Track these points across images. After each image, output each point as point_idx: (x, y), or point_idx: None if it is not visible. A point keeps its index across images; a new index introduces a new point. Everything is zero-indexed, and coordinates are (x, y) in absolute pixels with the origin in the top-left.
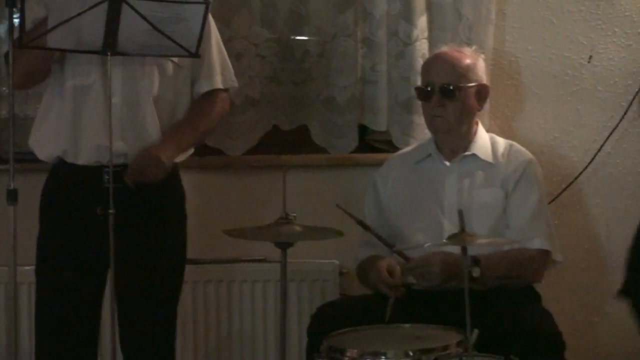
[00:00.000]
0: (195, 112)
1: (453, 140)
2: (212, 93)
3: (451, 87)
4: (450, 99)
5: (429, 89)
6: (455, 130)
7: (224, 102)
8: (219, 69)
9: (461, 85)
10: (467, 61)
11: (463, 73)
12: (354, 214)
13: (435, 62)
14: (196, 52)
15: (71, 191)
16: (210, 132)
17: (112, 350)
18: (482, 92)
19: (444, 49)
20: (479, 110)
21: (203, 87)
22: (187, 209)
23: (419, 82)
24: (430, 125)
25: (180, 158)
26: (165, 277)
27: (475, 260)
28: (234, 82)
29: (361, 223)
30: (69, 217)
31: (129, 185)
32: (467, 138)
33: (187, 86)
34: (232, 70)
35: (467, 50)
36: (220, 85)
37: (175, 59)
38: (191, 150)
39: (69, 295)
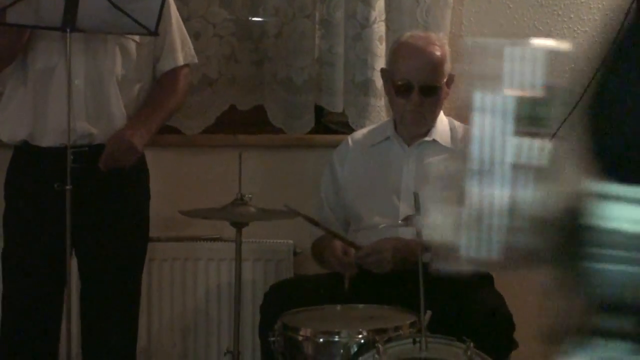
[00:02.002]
0: (161, 91)
1: (419, 129)
2: (175, 70)
3: (433, 87)
4: (429, 97)
5: (408, 86)
6: (429, 123)
7: (186, 78)
8: (180, 45)
9: (441, 83)
10: (440, 54)
11: (440, 69)
12: (302, 212)
13: (412, 57)
14: (155, 31)
15: (35, 171)
16: (178, 110)
17: (67, 330)
18: (450, 80)
19: (415, 40)
20: (446, 97)
21: (166, 65)
22: None
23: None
24: (403, 118)
25: None
26: (128, 256)
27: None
28: (193, 58)
29: (310, 220)
30: (33, 197)
31: (102, 170)
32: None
33: (150, 64)
34: (191, 46)
35: (436, 39)
36: (182, 62)
37: (137, 38)
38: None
39: (34, 275)
